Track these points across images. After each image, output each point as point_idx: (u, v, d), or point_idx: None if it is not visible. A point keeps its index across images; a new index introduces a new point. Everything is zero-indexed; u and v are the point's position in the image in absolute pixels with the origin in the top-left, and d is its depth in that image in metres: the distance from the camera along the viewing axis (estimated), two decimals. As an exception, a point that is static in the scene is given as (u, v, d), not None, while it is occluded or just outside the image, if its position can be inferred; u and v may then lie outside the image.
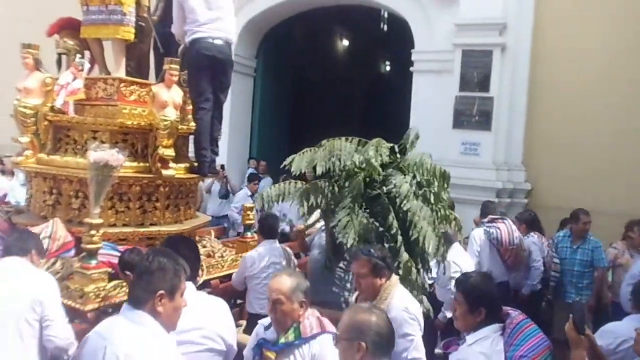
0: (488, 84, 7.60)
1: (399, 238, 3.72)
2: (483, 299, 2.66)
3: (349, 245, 3.56)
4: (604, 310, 5.75)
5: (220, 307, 2.77)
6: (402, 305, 3.02)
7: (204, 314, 2.64)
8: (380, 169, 3.89)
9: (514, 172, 7.65)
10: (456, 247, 5.29)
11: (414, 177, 3.96)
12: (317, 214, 4.42)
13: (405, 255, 3.70)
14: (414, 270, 3.73)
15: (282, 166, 4.06)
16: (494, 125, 7.57)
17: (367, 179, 3.91)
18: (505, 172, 7.57)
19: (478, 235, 5.68)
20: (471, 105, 7.65)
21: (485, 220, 5.78)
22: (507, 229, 5.56)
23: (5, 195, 6.17)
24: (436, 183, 4.01)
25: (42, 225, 3.72)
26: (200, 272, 3.22)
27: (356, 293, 3.37)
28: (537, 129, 7.66)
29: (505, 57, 7.61)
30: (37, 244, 3.25)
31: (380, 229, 3.85)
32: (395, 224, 3.74)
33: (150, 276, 2.15)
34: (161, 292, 2.14)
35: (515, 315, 2.68)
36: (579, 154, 7.33)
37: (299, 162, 3.92)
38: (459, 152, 7.71)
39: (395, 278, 3.18)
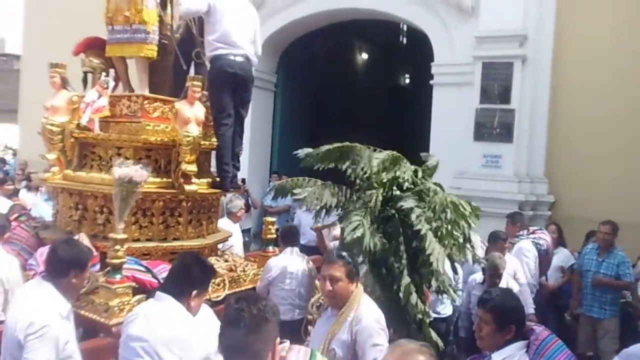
0: (509, 95, 7.56)
1: (404, 261, 3.68)
2: (513, 315, 2.62)
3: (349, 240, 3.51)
4: (633, 325, 5.63)
5: (183, 324, 2.62)
6: (374, 316, 2.98)
7: (156, 327, 2.57)
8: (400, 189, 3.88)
9: (536, 184, 7.58)
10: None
11: (431, 208, 3.81)
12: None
13: (406, 279, 3.63)
14: (413, 295, 3.65)
15: (294, 153, 4.17)
16: (515, 137, 7.53)
17: (384, 197, 3.88)
18: (527, 184, 7.50)
19: (527, 247, 5.71)
20: (492, 117, 7.62)
21: (525, 232, 5.89)
22: (549, 239, 5.85)
23: (29, 210, 6.27)
24: (449, 214, 3.83)
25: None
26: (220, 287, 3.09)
27: (317, 296, 3.27)
28: (560, 140, 7.60)
29: (526, 68, 7.58)
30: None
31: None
32: (402, 247, 3.69)
33: (267, 325, 1.89)
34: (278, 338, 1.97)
35: (540, 331, 2.63)
36: (603, 164, 7.24)
37: (315, 156, 3.98)
38: (480, 165, 7.67)
39: (360, 286, 3.14)
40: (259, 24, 4.94)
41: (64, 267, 2.87)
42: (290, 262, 4.74)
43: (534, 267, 5.66)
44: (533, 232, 5.86)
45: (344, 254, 3.08)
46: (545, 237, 5.82)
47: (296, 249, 4.94)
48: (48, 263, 2.95)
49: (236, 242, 5.93)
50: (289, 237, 5.02)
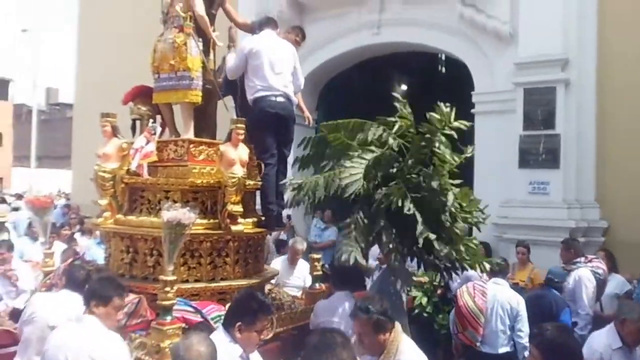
0: (553, 120, 7.44)
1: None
2: (560, 354, 2.53)
3: None
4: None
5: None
6: None
7: None
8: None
9: (587, 209, 7.35)
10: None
11: None
12: None
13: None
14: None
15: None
16: (562, 163, 7.36)
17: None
18: (577, 210, 7.29)
19: (587, 275, 5.48)
20: (537, 143, 7.49)
21: (583, 259, 5.68)
22: (605, 267, 5.65)
23: (84, 254, 6.49)
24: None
25: (127, 299, 3.79)
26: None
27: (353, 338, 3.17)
28: (609, 163, 7.39)
29: (570, 92, 7.45)
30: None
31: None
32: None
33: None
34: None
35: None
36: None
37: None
38: (527, 192, 7.50)
39: (398, 327, 3.05)
40: (298, 60, 5.04)
41: None
42: (338, 305, 4.28)
43: (593, 298, 5.46)
44: (590, 261, 5.64)
45: (368, 305, 2.99)
46: (602, 266, 5.63)
47: (347, 293, 4.35)
48: None
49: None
50: (343, 278, 4.46)
